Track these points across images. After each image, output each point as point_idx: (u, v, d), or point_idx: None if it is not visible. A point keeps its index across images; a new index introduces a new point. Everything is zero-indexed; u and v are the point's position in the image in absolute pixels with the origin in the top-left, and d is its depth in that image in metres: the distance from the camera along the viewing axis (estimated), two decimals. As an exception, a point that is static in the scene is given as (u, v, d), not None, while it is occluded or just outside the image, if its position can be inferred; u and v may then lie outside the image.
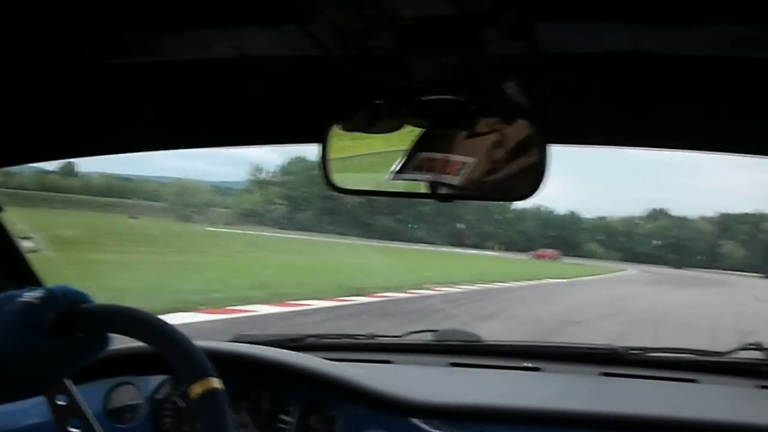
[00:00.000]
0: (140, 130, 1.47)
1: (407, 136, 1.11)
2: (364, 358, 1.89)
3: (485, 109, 1.07)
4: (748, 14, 0.90)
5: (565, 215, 37.35)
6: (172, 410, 1.62)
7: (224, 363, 1.02)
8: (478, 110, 1.08)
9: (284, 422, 1.58)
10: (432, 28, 0.94)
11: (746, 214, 38.40)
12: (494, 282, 20.07)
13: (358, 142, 1.14)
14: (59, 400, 1.06)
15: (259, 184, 34.82)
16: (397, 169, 1.12)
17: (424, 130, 1.11)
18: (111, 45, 1.14)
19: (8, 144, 1.46)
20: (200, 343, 0.99)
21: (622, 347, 1.89)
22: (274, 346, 1.79)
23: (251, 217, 32.47)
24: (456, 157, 1.08)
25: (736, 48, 1.01)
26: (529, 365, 1.86)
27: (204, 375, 0.92)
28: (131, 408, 1.64)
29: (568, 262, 32.91)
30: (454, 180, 1.08)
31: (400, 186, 1.14)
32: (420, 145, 1.11)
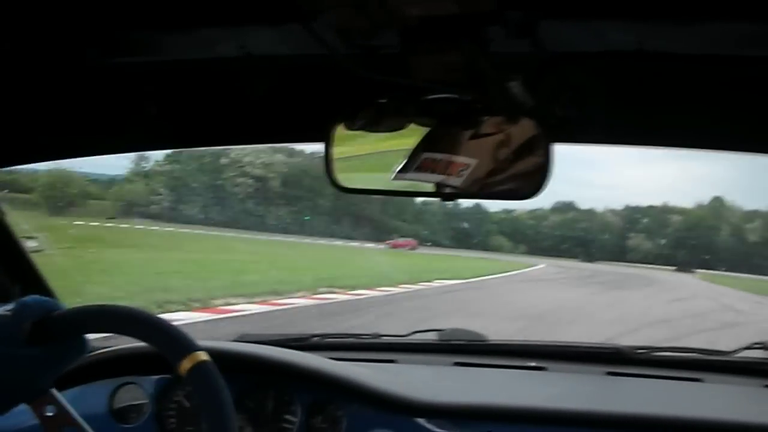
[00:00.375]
0: (143, 129, 1.47)
1: (412, 135, 1.11)
2: (369, 357, 1.89)
3: (490, 108, 1.07)
4: (753, 13, 0.90)
5: (470, 208, 36.23)
6: (177, 410, 1.62)
7: (228, 363, 1.03)
8: (482, 109, 1.07)
9: (289, 422, 1.58)
10: (437, 27, 0.94)
11: (652, 207, 38.01)
12: (356, 290, 13.39)
13: (362, 142, 1.14)
14: (47, 412, 1.04)
15: (144, 174, 31.35)
16: (400, 169, 1.12)
17: (428, 129, 1.11)
18: (114, 44, 1.14)
19: (10, 144, 1.46)
20: (203, 342, 0.99)
21: (627, 346, 1.89)
22: (278, 346, 1.78)
23: (133, 208, 30.47)
24: (459, 159, 1.08)
25: (742, 46, 1.00)
26: (534, 365, 1.86)
27: (189, 350, 0.92)
28: (136, 408, 1.64)
29: (446, 254, 29.09)
30: (457, 181, 1.08)
31: (404, 185, 1.14)
32: (424, 145, 1.11)
